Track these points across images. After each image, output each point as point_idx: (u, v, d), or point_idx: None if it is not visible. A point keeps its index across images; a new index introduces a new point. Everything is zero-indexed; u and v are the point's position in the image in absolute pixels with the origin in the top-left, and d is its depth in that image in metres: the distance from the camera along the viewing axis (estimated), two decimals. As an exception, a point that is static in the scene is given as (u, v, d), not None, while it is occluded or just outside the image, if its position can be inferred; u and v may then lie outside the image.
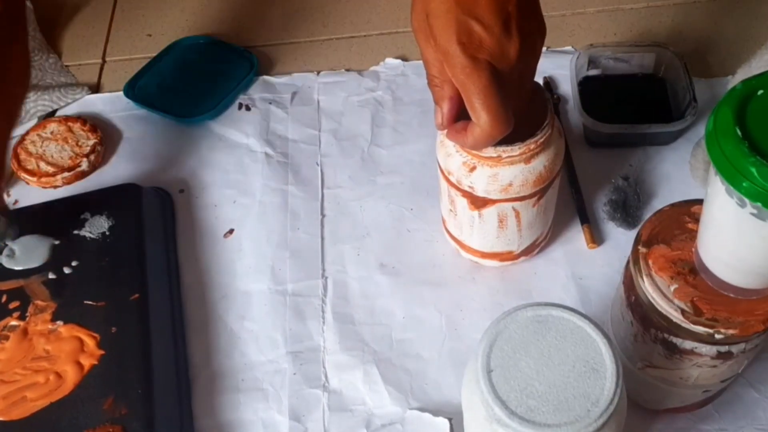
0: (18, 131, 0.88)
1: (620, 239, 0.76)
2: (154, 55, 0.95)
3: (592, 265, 0.75)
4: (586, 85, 0.84)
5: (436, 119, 0.60)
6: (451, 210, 0.70)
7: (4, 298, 0.71)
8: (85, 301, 0.70)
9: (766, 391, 0.67)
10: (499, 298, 0.74)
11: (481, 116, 0.56)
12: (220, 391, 0.71)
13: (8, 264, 0.73)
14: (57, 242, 0.74)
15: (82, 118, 0.88)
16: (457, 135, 0.60)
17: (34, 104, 0.90)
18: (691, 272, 0.54)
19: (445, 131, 0.62)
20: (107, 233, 0.75)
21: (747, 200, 0.43)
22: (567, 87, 0.87)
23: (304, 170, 0.85)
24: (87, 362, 0.67)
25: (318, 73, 0.93)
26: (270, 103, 0.90)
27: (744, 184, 0.42)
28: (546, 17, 0.58)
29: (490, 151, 0.61)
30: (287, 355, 0.72)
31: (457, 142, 0.61)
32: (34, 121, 0.89)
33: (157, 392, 0.66)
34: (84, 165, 0.84)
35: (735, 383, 0.66)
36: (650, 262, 0.55)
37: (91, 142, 0.86)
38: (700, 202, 0.54)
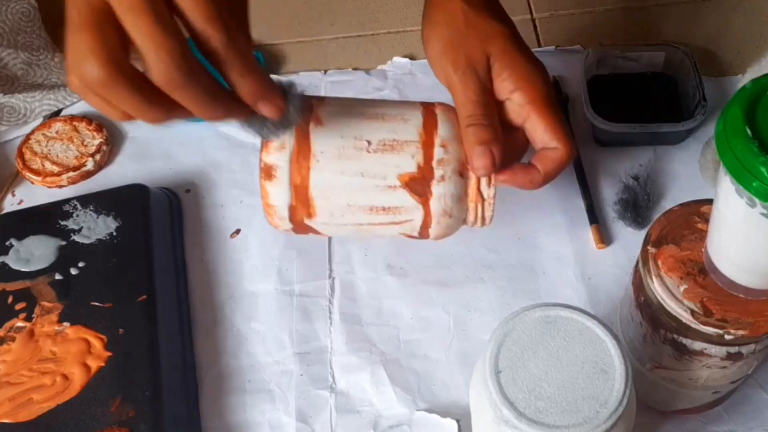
0: (23, 130, 0.88)
1: (629, 239, 0.76)
2: (160, 54, 0.95)
3: (601, 265, 0.75)
4: (595, 85, 0.83)
5: (486, 163, 0.56)
6: None
7: (10, 299, 0.71)
8: (92, 303, 0.70)
9: (776, 392, 0.67)
10: (507, 298, 0.74)
11: (567, 143, 0.58)
12: (226, 393, 0.70)
13: (14, 265, 0.73)
14: (63, 243, 0.74)
15: (88, 118, 0.88)
16: (515, 177, 0.58)
17: (40, 103, 0.90)
18: (700, 272, 0.54)
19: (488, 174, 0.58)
20: (114, 234, 0.74)
21: (757, 200, 0.43)
22: (576, 86, 0.86)
23: (311, 170, 0.84)
24: (94, 364, 0.67)
25: (325, 72, 0.93)
26: (277, 103, 0.90)
27: (754, 184, 0.41)
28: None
29: None
30: (294, 356, 0.72)
31: (514, 184, 0.59)
32: (39, 121, 0.89)
33: (164, 394, 0.66)
34: (89, 164, 0.84)
35: (745, 384, 0.66)
36: (659, 262, 0.55)
37: (96, 142, 0.86)
38: (709, 201, 0.53)
